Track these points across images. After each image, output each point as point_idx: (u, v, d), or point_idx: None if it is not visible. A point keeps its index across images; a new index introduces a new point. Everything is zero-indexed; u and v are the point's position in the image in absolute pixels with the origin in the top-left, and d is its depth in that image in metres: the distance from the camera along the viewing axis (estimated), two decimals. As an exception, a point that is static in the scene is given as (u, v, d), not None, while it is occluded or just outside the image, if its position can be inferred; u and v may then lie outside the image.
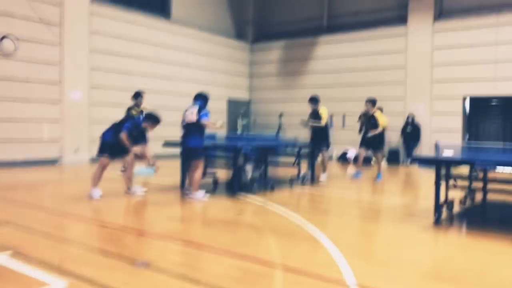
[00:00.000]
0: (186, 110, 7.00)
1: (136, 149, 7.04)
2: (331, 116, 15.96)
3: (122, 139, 6.74)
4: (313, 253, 4.28)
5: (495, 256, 4.39)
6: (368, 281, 3.55)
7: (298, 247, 4.50)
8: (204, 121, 6.80)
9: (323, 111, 9.55)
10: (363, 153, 10.05)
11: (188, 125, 6.91)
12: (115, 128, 6.90)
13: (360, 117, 10.02)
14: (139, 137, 7.13)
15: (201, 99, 7.06)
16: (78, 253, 4.13)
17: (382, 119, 9.71)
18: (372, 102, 9.71)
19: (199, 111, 6.82)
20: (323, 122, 9.43)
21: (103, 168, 6.90)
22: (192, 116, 6.83)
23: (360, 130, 10.10)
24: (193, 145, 6.90)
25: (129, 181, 7.28)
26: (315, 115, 9.55)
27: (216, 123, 7.04)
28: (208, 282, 3.41)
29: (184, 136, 6.97)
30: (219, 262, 3.92)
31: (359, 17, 16.11)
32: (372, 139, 9.76)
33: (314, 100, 9.56)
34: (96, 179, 6.89)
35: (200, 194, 6.94)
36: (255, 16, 18.51)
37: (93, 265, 3.79)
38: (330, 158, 15.28)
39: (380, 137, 9.86)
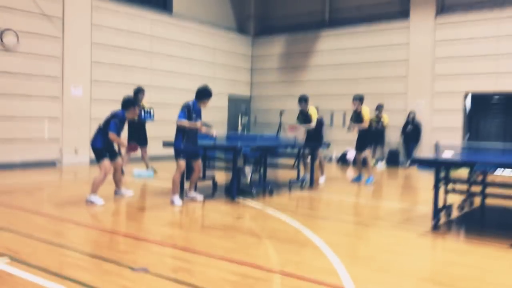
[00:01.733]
0: None
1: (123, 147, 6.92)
2: (331, 114, 15.95)
3: (113, 140, 6.66)
4: (312, 259, 4.30)
5: (493, 262, 4.41)
6: (367, 286, 3.57)
7: (297, 252, 4.51)
8: (178, 121, 6.60)
9: (313, 111, 9.47)
10: (360, 155, 9.90)
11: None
12: (102, 131, 6.76)
13: (351, 118, 9.86)
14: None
15: (196, 96, 6.86)
16: (76, 259, 4.14)
17: (367, 114, 9.50)
18: (359, 99, 9.51)
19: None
20: (313, 123, 9.36)
21: (107, 173, 6.71)
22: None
23: (351, 126, 9.93)
24: (174, 145, 6.82)
25: (119, 183, 7.26)
26: (305, 116, 9.47)
27: (197, 123, 6.74)
28: (206, 287, 3.42)
29: None
30: (217, 267, 3.93)
31: (361, 11, 16.02)
32: (360, 138, 9.61)
33: (304, 100, 9.44)
34: (99, 186, 6.70)
35: (175, 198, 6.80)
36: (257, 10, 18.40)
37: (91, 270, 3.80)
38: (330, 159, 15.22)
39: (365, 135, 9.58)
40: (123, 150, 6.59)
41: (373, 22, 15.44)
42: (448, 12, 14.17)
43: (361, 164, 9.93)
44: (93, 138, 6.87)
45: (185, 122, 6.60)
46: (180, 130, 6.71)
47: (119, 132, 6.75)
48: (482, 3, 13.60)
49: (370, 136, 9.88)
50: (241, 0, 18.07)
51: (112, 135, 6.61)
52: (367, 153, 9.65)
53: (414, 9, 14.64)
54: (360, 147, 9.75)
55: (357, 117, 9.60)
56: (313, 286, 3.54)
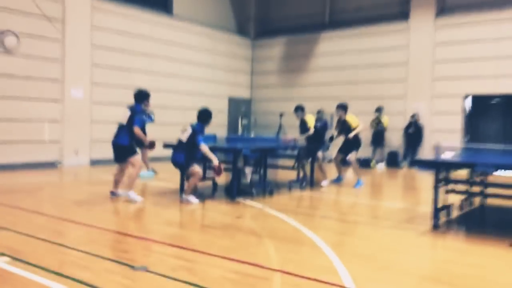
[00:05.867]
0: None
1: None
2: (331, 116, 15.96)
3: (137, 134, 6.89)
4: (312, 258, 4.30)
5: (493, 261, 4.41)
6: (367, 285, 3.57)
7: (297, 251, 4.51)
8: (204, 148, 6.83)
9: (309, 119, 9.58)
10: (339, 158, 9.89)
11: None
12: (127, 129, 6.90)
13: (336, 127, 9.87)
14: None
15: (201, 119, 7.06)
16: (76, 257, 4.14)
17: (354, 120, 9.47)
18: (343, 107, 9.52)
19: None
20: (311, 130, 9.44)
21: (140, 167, 7.01)
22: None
23: (331, 139, 9.94)
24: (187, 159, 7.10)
25: (118, 183, 7.33)
26: (303, 124, 9.59)
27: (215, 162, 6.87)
28: (206, 286, 3.42)
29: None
30: (218, 266, 3.93)
31: (361, 13, 16.06)
32: (346, 143, 9.54)
33: (300, 110, 9.57)
34: (134, 181, 6.95)
35: (192, 198, 6.94)
36: (257, 12, 18.46)
37: (92, 269, 3.80)
38: (329, 161, 15.16)
39: (353, 141, 9.43)
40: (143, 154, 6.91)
41: (373, 24, 15.48)
42: (448, 13, 14.21)
43: (339, 165, 9.89)
44: (117, 136, 6.98)
45: (209, 151, 6.80)
46: (196, 150, 6.87)
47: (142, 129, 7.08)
48: (481, 4, 13.64)
49: (357, 142, 9.61)
50: (242, 2, 18.12)
51: (137, 130, 6.84)
52: (352, 157, 9.52)
53: (413, 10, 14.69)
54: (344, 150, 9.65)
55: (342, 126, 9.56)
56: (313, 285, 3.54)
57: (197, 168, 7.01)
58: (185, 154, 6.94)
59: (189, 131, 6.96)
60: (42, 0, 11.54)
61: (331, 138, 9.83)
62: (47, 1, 11.67)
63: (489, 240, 5.16)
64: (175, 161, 7.08)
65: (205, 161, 7.27)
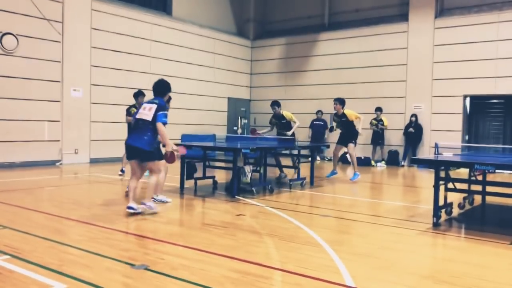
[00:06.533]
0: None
1: None
2: (330, 116, 15.97)
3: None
4: (312, 256, 4.29)
5: (493, 259, 4.40)
6: (367, 284, 3.56)
7: (297, 249, 4.51)
8: (162, 127, 5.79)
9: (286, 114, 9.68)
10: (339, 150, 9.98)
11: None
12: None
13: (333, 119, 9.98)
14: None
15: (162, 93, 6.14)
16: (76, 256, 4.13)
17: (352, 113, 9.52)
18: (340, 101, 9.56)
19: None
20: (298, 123, 9.63)
21: (166, 168, 6.90)
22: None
23: (331, 129, 10.05)
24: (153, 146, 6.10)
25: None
26: (278, 119, 9.72)
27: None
28: (206, 285, 3.42)
29: None
30: (218, 265, 3.92)
31: (360, 14, 16.11)
32: (345, 134, 9.58)
33: (277, 105, 9.70)
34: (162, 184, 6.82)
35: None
36: (256, 13, 18.49)
37: (92, 267, 3.79)
38: (329, 159, 15.18)
39: (352, 129, 9.47)
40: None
41: (372, 26, 15.51)
42: (447, 15, 14.23)
43: (337, 159, 9.99)
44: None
45: (166, 134, 5.85)
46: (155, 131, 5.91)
47: None
48: (480, 6, 13.67)
49: (354, 133, 9.65)
50: (241, 3, 18.14)
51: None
52: (351, 149, 9.55)
53: (413, 12, 14.71)
54: (341, 141, 9.75)
55: (340, 119, 9.62)
56: (314, 283, 3.54)
57: (161, 165, 6.17)
58: (145, 137, 5.78)
59: (153, 106, 5.82)
60: (42, 2, 11.55)
61: (331, 128, 9.95)
62: (47, 3, 11.68)
63: (490, 239, 5.16)
64: (133, 146, 5.81)
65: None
